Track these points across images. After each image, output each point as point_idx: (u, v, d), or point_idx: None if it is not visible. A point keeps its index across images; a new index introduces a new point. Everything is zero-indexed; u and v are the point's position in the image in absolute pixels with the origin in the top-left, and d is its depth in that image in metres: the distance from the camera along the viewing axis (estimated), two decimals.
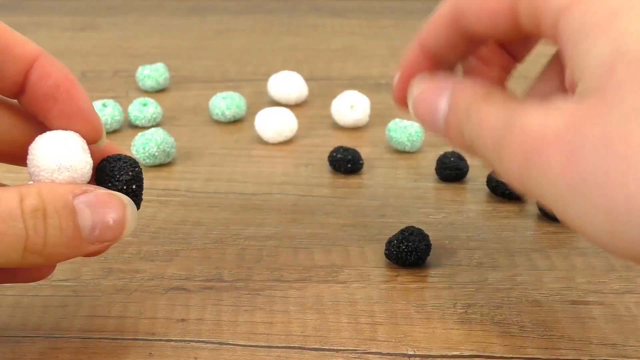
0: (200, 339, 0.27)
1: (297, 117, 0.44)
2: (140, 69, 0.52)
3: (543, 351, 0.26)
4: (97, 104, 0.45)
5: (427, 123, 0.26)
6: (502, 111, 0.22)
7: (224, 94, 0.47)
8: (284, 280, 0.30)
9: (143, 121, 0.45)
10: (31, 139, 0.24)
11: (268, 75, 0.51)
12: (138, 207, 0.25)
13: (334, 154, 0.39)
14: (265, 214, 0.36)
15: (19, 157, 0.26)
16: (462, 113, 0.24)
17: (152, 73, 0.51)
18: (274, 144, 0.43)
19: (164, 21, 0.69)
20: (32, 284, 0.30)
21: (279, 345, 0.27)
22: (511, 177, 0.21)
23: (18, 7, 0.74)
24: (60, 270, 0.31)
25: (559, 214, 0.20)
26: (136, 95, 0.51)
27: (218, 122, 0.47)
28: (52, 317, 0.28)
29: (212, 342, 0.27)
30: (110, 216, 0.24)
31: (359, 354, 0.26)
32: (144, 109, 0.45)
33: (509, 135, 0.21)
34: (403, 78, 0.27)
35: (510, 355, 0.26)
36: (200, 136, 0.45)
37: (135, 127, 0.46)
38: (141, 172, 0.26)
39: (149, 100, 0.46)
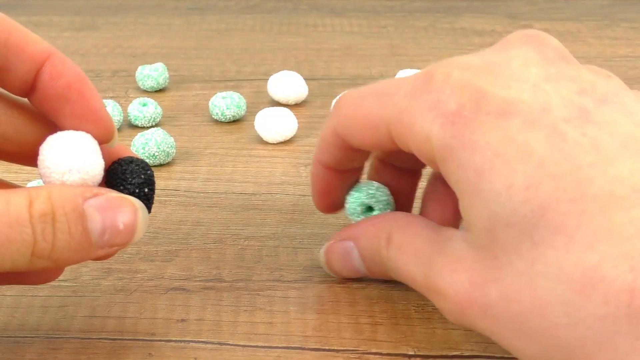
0: (200, 339, 0.27)
1: (297, 117, 0.44)
2: (139, 68, 0.52)
3: None
4: None
5: (347, 271, 0.29)
6: (416, 264, 0.25)
7: (224, 93, 0.47)
8: (284, 281, 0.30)
9: (143, 121, 0.45)
10: (41, 139, 0.24)
11: (268, 75, 0.51)
12: (149, 211, 0.25)
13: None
14: (265, 214, 0.35)
15: (28, 157, 0.26)
16: (371, 258, 0.27)
17: (151, 73, 0.51)
18: (273, 144, 0.43)
19: (163, 21, 0.69)
20: None
21: (279, 345, 0.26)
22: (453, 322, 0.24)
23: (18, 6, 0.73)
24: None
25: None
26: (136, 95, 0.51)
27: (218, 122, 0.47)
28: (52, 317, 0.28)
29: (212, 343, 0.27)
30: (121, 220, 0.24)
31: (359, 354, 0.26)
32: (143, 109, 0.45)
33: (434, 294, 0.23)
34: (317, 194, 0.30)
35: (511, 356, 0.26)
36: (199, 136, 0.45)
37: (135, 127, 0.46)
38: (153, 175, 0.25)
39: (149, 100, 0.46)
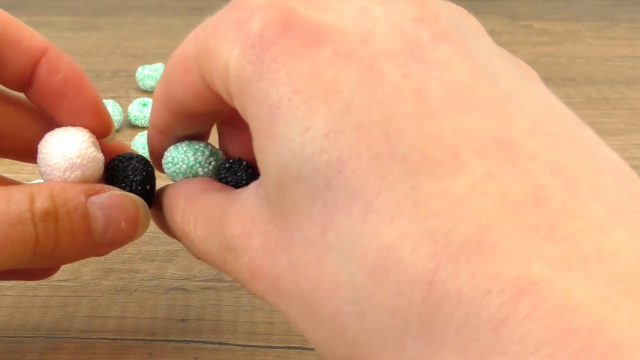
0: (200, 339, 0.27)
1: None
2: (140, 68, 0.52)
3: None
4: None
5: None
6: (211, 236, 0.21)
7: None
8: None
9: (143, 121, 0.45)
10: (39, 135, 0.24)
11: None
12: (150, 208, 0.24)
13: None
14: None
15: (26, 153, 0.25)
16: (179, 227, 0.22)
17: (151, 73, 0.51)
18: None
19: (163, 21, 0.69)
20: (32, 284, 0.30)
21: (279, 345, 0.27)
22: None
23: (18, 7, 0.73)
24: (60, 270, 0.31)
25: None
26: (136, 95, 0.51)
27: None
28: (52, 317, 0.28)
29: (212, 342, 0.27)
30: (123, 219, 0.23)
31: None
32: (143, 109, 0.45)
33: (227, 265, 0.20)
34: (155, 162, 0.25)
35: None
36: None
37: (135, 127, 0.45)
38: (154, 172, 0.25)
39: (149, 100, 0.46)
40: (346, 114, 0.16)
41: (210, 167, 0.24)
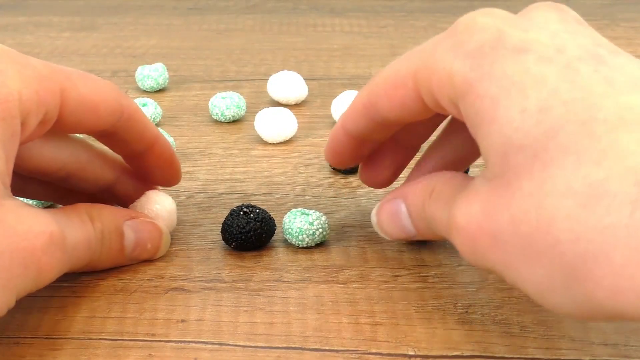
0: (200, 340, 0.27)
1: (297, 117, 0.44)
2: (139, 69, 0.52)
3: (544, 351, 0.26)
4: None
5: (397, 231, 0.29)
6: (444, 206, 0.25)
7: (224, 93, 0.47)
8: (284, 281, 0.30)
9: None
10: (109, 180, 0.33)
11: (268, 75, 0.51)
12: (261, 244, 0.32)
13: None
14: None
15: (92, 197, 0.32)
16: (418, 214, 0.28)
17: (151, 73, 0.51)
18: (273, 144, 0.43)
19: (163, 21, 0.69)
20: None
21: (279, 345, 0.26)
22: (467, 259, 0.24)
23: (17, 7, 0.73)
24: None
25: (512, 284, 0.23)
26: (135, 95, 0.51)
27: (217, 122, 0.47)
28: (52, 317, 0.28)
29: (212, 343, 0.27)
30: (149, 241, 0.31)
31: (359, 355, 0.26)
32: (143, 109, 0.45)
33: (452, 229, 0.24)
34: (330, 152, 0.32)
35: (512, 356, 0.26)
36: (199, 136, 0.45)
37: None
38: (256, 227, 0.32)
39: (149, 100, 0.46)
40: (554, 95, 0.21)
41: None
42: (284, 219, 0.33)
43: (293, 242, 0.32)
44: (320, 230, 0.32)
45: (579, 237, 0.19)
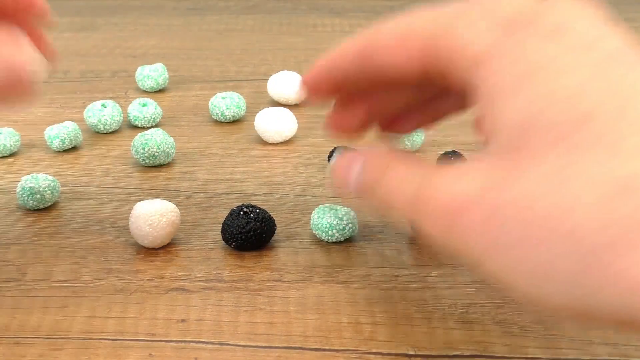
0: (201, 340, 0.27)
1: (297, 117, 0.44)
2: (139, 69, 0.52)
3: (544, 351, 0.26)
4: (96, 105, 0.45)
5: (342, 185, 0.27)
6: (413, 175, 0.23)
7: (224, 93, 0.47)
8: (284, 281, 0.30)
9: (142, 121, 0.45)
10: None
11: (268, 75, 0.51)
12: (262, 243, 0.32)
13: (334, 154, 0.39)
14: None
15: None
16: (372, 177, 0.25)
17: (151, 73, 0.51)
18: (273, 144, 0.43)
19: (163, 21, 0.69)
20: (32, 284, 0.30)
21: (279, 345, 0.26)
22: (433, 239, 0.22)
23: None
24: (60, 271, 0.31)
25: (484, 272, 0.21)
26: (135, 95, 0.51)
27: (218, 122, 0.47)
28: (52, 317, 0.28)
29: (212, 343, 0.27)
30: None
31: (360, 354, 0.26)
32: (143, 109, 0.45)
33: (419, 204, 0.22)
34: (310, 78, 0.29)
35: (512, 355, 0.26)
36: (199, 136, 0.45)
37: (135, 128, 0.46)
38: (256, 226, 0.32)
39: (149, 100, 0.46)
40: (592, 80, 0.20)
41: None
42: (312, 214, 0.33)
43: (322, 238, 0.33)
44: (350, 225, 0.32)
45: (606, 226, 0.19)
